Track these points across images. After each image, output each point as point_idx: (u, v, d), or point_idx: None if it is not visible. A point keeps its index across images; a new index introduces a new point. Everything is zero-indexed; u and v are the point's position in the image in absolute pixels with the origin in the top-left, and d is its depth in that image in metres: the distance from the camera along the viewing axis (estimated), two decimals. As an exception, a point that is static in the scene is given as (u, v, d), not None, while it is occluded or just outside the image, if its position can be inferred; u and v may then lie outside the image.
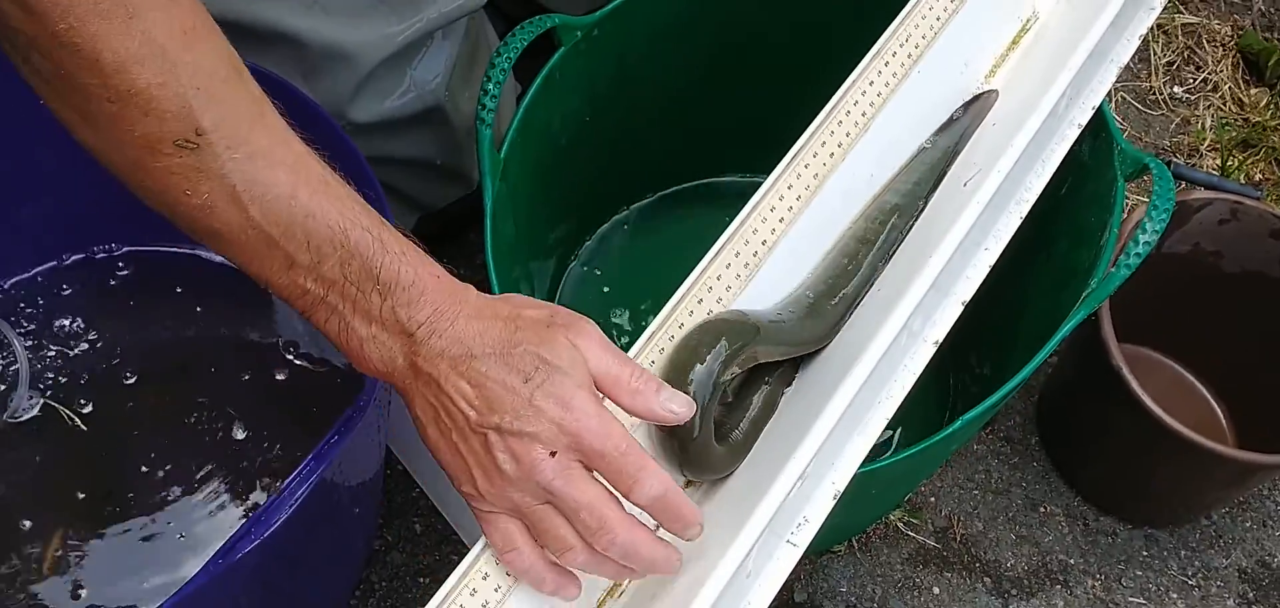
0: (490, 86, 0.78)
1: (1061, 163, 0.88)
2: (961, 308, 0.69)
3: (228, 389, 0.95)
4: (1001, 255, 0.96)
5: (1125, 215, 0.91)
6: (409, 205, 1.06)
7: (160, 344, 0.97)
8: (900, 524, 1.06)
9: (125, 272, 1.01)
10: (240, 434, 0.93)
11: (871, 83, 0.77)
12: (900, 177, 0.75)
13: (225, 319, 0.99)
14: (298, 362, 0.98)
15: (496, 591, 0.57)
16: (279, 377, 0.97)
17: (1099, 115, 0.82)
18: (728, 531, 0.56)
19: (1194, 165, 1.26)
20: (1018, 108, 0.75)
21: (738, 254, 0.69)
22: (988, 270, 0.71)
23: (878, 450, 0.72)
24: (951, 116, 0.78)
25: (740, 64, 1.02)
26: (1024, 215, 0.74)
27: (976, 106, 0.78)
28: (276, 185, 0.52)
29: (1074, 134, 0.77)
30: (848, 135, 0.75)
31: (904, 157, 0.76)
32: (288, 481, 0.67)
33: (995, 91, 0.80)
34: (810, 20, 0.99)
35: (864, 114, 0.76)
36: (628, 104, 0.99)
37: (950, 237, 0.65)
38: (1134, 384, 0.89)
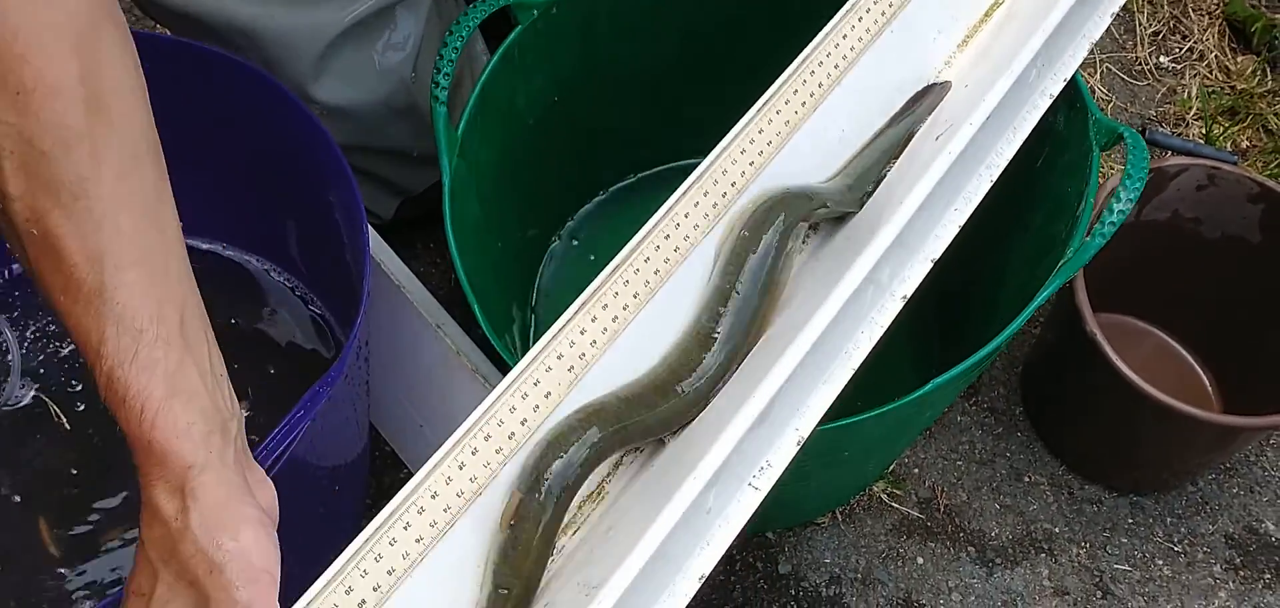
0: (443, 64, 0.78)
1: (1037, 134, 0.88)
2: (930, 266, 0.69)
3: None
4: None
5: (1101, 185, 0.91)
6: (389, 191, 1.07)
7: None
8: (884, 496, 1.07)
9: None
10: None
11: (837, 46, 0.77)
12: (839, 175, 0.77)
13: (215, 308, 1.00)
14: (288, 347, 0.98)
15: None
16: (269, 362, 0.98)
17: (1074, 87, 0.83)
18: (685, 468, 0.57)
19: (1180, 134, 1.26)
20: (989, 71, 0.76)
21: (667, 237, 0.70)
22: (957, 230, 0.71)
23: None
24: (902, 108, 0.79)
25: (714, 45, 1.02)
26: (994, 179, 0.74)
27: (929, 98, 0.79)
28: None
29: (1045, 104, 0.78)
30: (803, 104, 0.75)
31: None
32: (255, 453, 0.68)
33: (949, 82, 0.81)
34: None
35: (822, 83, 0.76)
36: (598, 84, 0.99)
37: (920, 186, 0.66)
38: (1109, 351, 0.89)
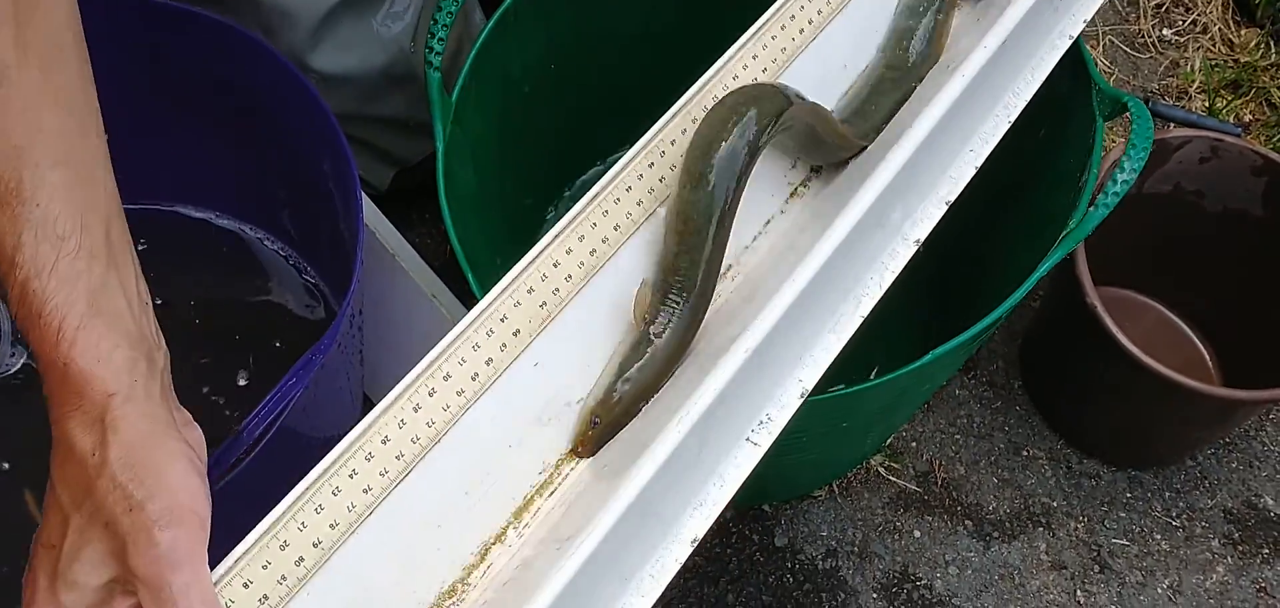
0: (438, 29, 0.77)
1: (1038, 105, 0.87)
2: (945, 209, 0.66)
3: (201, 342, 0.95)
4: (979, 200, 0.96)
5: (1104, 157, 0.90)
6: (386, 161, 1.06)
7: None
8: (881, 469, 1.06)
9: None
10: (216, 385, 0.93)
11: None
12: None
13: (209, 276, 0.99)
14: (282, 316, 0.98)
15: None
16: (264, 331, 0.97)
17: (1078, 55, 0.82)
18: (670, 412, 0.53)
19: (1183, 107, 1.25)
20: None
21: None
22: (974, 172, 0.68)
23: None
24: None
25: (713, 7, 1.00)
26: (1011, 120, 0.71)
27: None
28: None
29: (1064, 45, 0.75)
30: (800, 31, 0.73)
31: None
32: (247, 421, 0.67)
33: None
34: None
35: (821, 11, 0.73)
36: (594, 51, 0.98)
37: (929, 112, 0.62)
38: (1110, 324, 0.89)
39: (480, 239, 0.87)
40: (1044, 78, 0.74)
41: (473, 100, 0.83)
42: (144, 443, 0.46)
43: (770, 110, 0.61)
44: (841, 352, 0.61)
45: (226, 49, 0.84)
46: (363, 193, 0.90)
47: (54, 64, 0.48)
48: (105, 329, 0.47)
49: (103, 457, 0.45)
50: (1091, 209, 0.74)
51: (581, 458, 0.59)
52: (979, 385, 1.12)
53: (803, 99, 0.64)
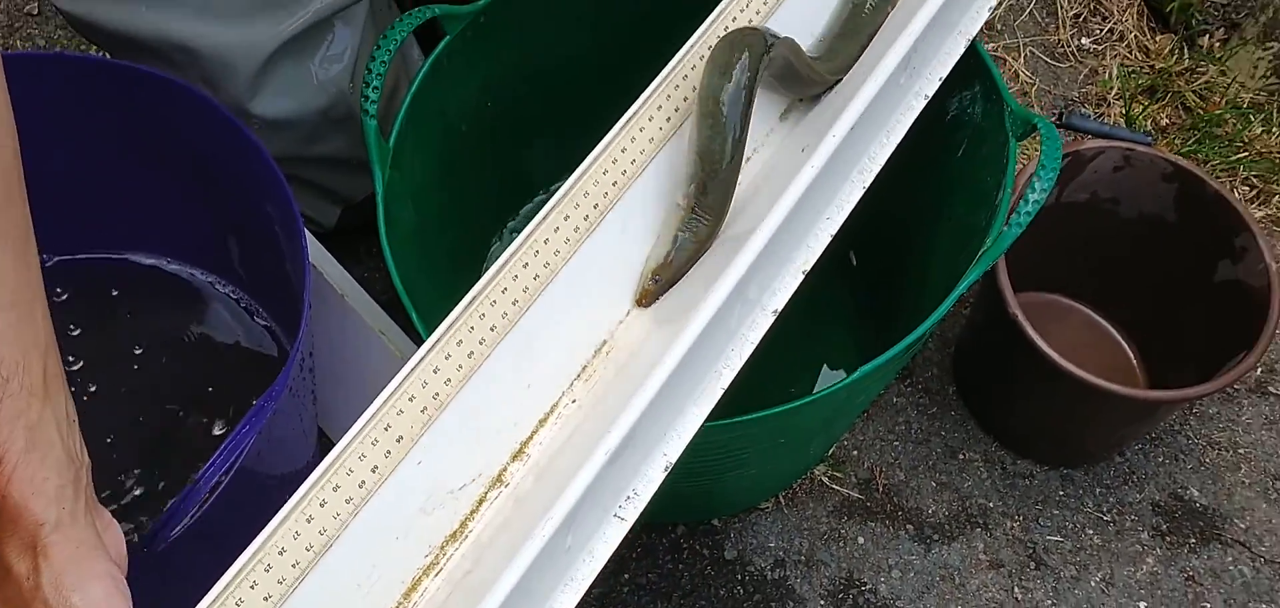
0: (372, 77, 0.79)
1: (956, 125, 0.91)
2: (802, 277, 0.70)
3: (165, 385, 0.97)
4: (907, 215, 1.00)
5: (1019, 173, 0.94)
6: (331, 199, 1.08)
7: (95, 344, 0.99)
8: (825, 479, 1.10)
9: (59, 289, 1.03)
10: (182, 426, 0.95)
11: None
12: None
13: (163, 322, 1.01)
14: (237, 359, 0.99)
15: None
16: (219, 374, 0.99)
17: (989, 78, 0.85)
18: (544, 506, 0.56)
19: (1101, 115, 1.30)
20: (857, 73, 0.78)
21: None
22: (829, 239, 0.72)
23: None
24: None
25: (648, 34, 1.03)
26: (867, 185, 0.75)
27: None
28: None
29: (920, 104, 0.79)
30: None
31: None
32: (202, 471, 0.70)
33: None
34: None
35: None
36: (532, 86, 1.01)
37: (783, 201, 0.66)
38: (1031, 332, 0.93)
39: (425, 274, 0.90)
40: (901, 138, 0.78)
41: (410, 142, 0.85)
42: (71, 568, 0.52)
43: (759, 48, 0.71)
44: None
45: (170, 102, 0.86)
46: (310, 234, 0.92)
47: (2, 205, 0.52)
48: (39, 462, 0.52)
49: (36, 581, 0.51)
50: (1006, 228, 0.78)
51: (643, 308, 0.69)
52: (916, 392, 1.16)
53: (779, 37, 0.73)
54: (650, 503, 0.61)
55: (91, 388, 0.96)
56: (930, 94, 0.79)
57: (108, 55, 0.96)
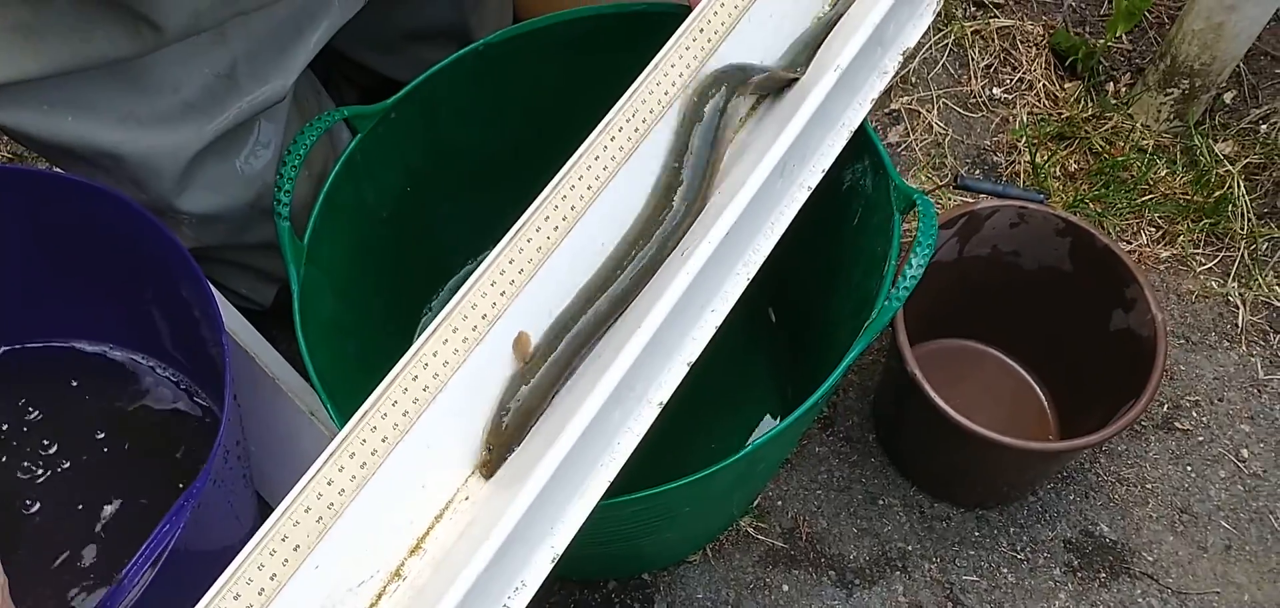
0: (284, 181, 0.83)
1: (851, 195, 0.96)
2: (687, 369, 0.73)
3: (121, 461, 1.02)
4: (815, 279, 1.04)
5: (906, 239, 0.99)
6: (266, 280, 1.12)
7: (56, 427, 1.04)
8: (750, 529, 1.14)
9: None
10: (118, 505, 1.00)
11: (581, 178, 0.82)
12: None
13: (108, 404, 1.05)
14: (180, 438, 1.04)
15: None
16: (163, 453, 1.03)
17: (876, 155, 0.90)
18: (441, 588, 0.61)
19: (1012, 163, 1.35)
20: (739, 172, 0.82)
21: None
22: (713, 331, 0.75)
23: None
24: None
25: (558, 118, 1.08)
26: (752, 276, 0.78)
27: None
28: None
29: (803, 196, 0.82)
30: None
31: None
32: (127, 568, 0.74)
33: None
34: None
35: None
36: (448, 171, 1.04)
37: (663, 302, 0.70)
38: (929, 389, 0.97)
39: (348, 359, 0.93)
40: (786, 226, 0.81)
41: (326, 237, 0.89)
42: None
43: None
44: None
45: (94, 205, 0.91)
46: (242, 316, 0.97)
47: None
48: None
49: None
50: (886, 302, 0.83)
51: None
52: (837, 441, 1.20)
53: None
54: (581, 560, 0.65)
55: (64, 464, 1.02)
56: (814, 185, 0.83)
57: (45, 163, 1.01)
